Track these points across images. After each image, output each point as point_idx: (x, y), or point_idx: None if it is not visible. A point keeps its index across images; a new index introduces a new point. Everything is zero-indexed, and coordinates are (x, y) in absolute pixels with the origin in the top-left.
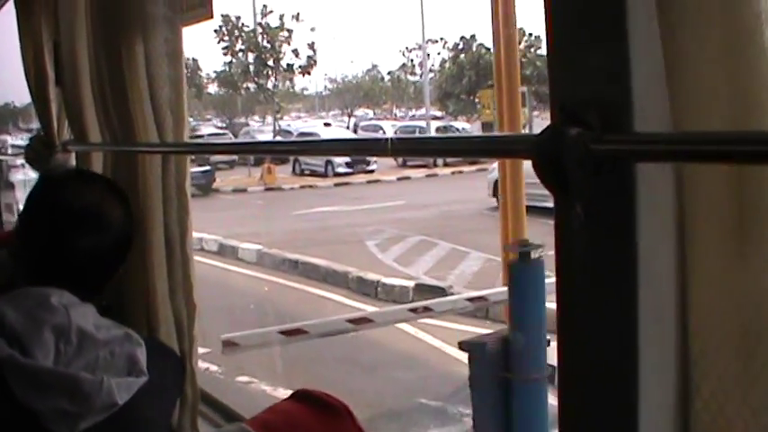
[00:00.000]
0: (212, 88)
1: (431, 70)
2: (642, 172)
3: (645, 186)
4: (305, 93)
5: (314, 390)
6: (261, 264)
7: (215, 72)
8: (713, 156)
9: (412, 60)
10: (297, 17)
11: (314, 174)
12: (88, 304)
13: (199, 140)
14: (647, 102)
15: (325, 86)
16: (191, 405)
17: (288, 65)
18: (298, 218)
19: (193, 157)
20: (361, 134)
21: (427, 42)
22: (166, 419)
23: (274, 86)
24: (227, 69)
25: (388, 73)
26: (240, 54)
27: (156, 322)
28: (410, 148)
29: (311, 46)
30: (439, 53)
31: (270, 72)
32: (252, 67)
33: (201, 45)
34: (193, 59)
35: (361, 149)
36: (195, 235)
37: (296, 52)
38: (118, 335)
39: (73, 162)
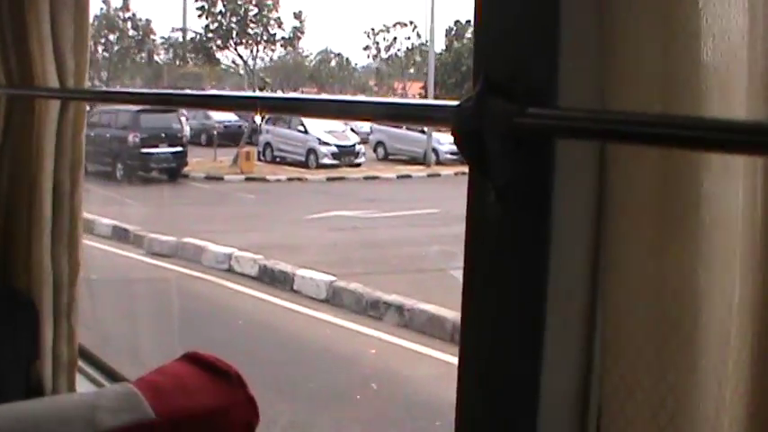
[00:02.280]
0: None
1: (397, 56)
2: (563, 150)
3: (565, 165)
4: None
5: (204, 353)
6: (335, 303)
7: (166, 37)
8: (637, 137)
9: (378, 44)
10: None
11: (294, 164)
12: None
13: (102, 88)
14: (576, 78)
15: (263, 62)
16: (67, 364)
17: (269, 35)
18: (318, 224)
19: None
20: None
21: (395, 26)
22: (18, 368)
23: (254, 59)
24: (204, 34)
25: (337, 54)
26: (220, 17)
27: (37, 276)
28: (323, 109)
29: (298, 15)
30: (408, 37)
31: (251, 41)
32: (234, 33)
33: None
34: (146, 20)
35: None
36: (194, 242)
37: (279, 21)
38: None
39: None
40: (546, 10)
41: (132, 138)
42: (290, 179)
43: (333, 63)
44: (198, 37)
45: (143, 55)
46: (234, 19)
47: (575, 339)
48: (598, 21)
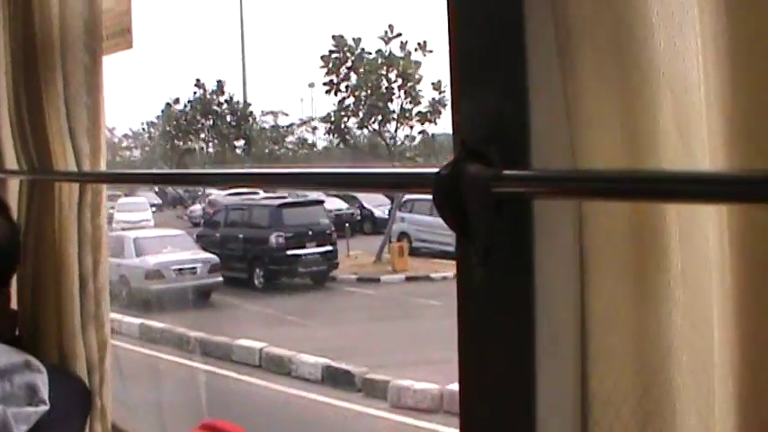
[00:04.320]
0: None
1: None
2: (541, 210)
3: (543, 224)
4: None
5: (219, 420)
6: None
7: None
8: (607, 193)
9: None
10: (423, 47)
11: (439, 255)
12: None
13: (118, 170)
14: (547, 139)
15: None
16: None
17: (402, 109)
18: None
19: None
20: None
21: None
22: None
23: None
24: (336, 111)
25: None
26: (349, 91)
27: (68, 357)
28: (309, 181)
29: (437, 86)
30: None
31: (391, 117)
32: (365, 110)
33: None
34: (245, 102)
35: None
36: None
37: (411, 92)
38: (17, 362)
39: None
40: (515, 76)
41: (275, 239)
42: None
43: None
44: (331, 116)
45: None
46: (370, 93)
47: (567, 390)
48: (564, 82)
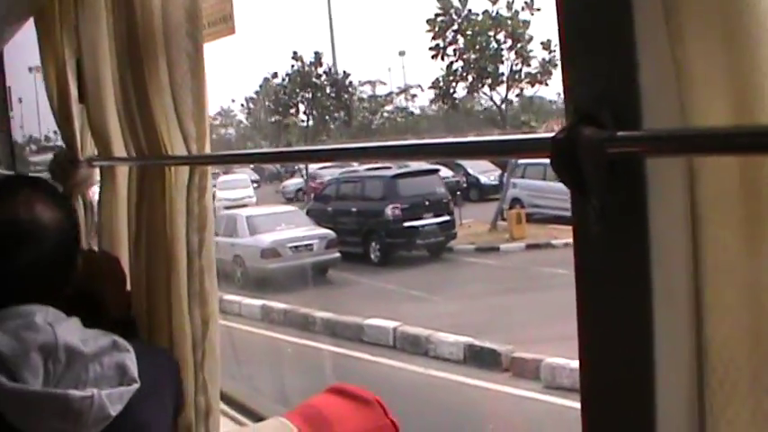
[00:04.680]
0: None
1: None
2: (654, 167)
3: (656, 181)
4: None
5: (347, 384)
6: None
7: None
8: (718, 148)
9: None
10: (530, 5)
11: (555, 221)
12: (73, 317)
13: (226, 152)
14: (657, 100)
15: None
16: (204, 414)
17: (512, 71)
18: None
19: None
20: None
21: None
22: (166, 419)
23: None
24: (445, 76)
25: None
26: (457, 55)
27: (178, 334)
28: (434, 151)
29: (547, 45)
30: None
31: (500, 81)
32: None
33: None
34: (344, 73)
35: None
36: None
37: (522, 53)
38: (105, 344)
39: (97, 176)
40: (624, 41)
41: (391, 210)
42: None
43: None
44: (439, 81)
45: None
46: (480, 55)
47: (683, 338)
48: (672, 43)
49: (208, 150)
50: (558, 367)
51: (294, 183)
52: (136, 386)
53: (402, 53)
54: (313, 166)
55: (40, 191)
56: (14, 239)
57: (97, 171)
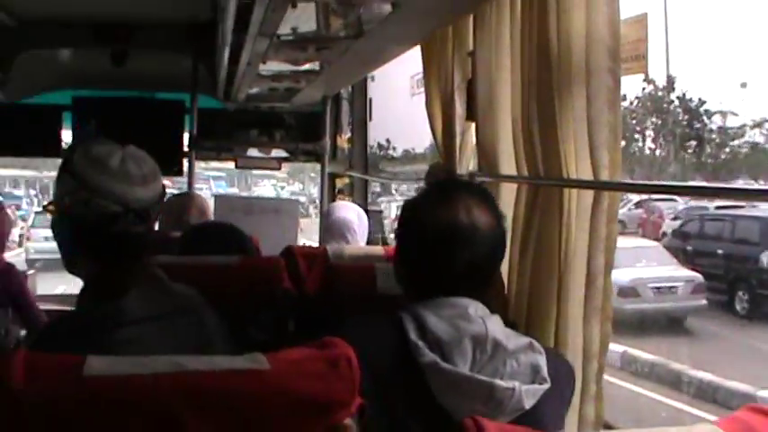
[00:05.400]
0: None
1: None
2: None
3: None
4: None
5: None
6: None
7: None
8: None
9: None
10: None
11: None
12: (496, 315)
13: (634, 182)
14: None
15: None
16: (593, 424)
17: None
18: None
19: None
20: None
21: None
22: (561, 421)
23: None
24: None
25: None
26: None
27: (565, 343)
28: None
29: None
30: None
31: None
32: None
33: None
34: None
35: None
36: None
37: None
38: (522, 344)
39: None
40: None
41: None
42: None
43: None
44: None
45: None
46: None
47: None
48: None
49: (617, 178)
50: None
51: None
52: (547, 386)
53: (744, 85)
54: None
55: (475, 195)
56: (454, 242)
57: None
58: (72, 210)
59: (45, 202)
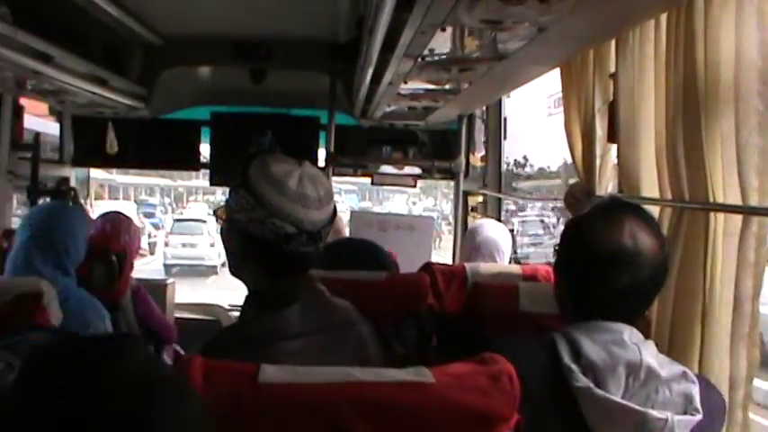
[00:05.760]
0: None
1: None
2: None
3: None
4: None
5: None
6: None
7: None
8: None
9: None
10: None
11: None
12: (651, 341)
13: None
14: None
15: None
16: None
17: None
18: None
19: None
20: None
21: None
22: None
23: None
24: None
25: None
26: None
27: (711, 369)
28: None
29: None
30: None
31: None
32: None
33: None
34: None
35: None
36: None
37: None
38: (677, 372)
39: None
40: None
41: None
42: None
43: None
44: None
45: None
46: None
47: None
48: None
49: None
50: None
51: None
52: (699, 417)
53: None
54: None
55: (640, 219)
56: (616, 264)
57: None
58: (247, 226)
59: (212, 210)
